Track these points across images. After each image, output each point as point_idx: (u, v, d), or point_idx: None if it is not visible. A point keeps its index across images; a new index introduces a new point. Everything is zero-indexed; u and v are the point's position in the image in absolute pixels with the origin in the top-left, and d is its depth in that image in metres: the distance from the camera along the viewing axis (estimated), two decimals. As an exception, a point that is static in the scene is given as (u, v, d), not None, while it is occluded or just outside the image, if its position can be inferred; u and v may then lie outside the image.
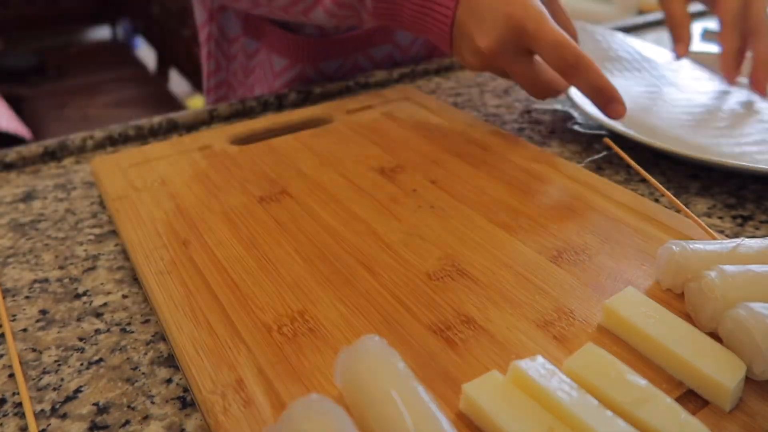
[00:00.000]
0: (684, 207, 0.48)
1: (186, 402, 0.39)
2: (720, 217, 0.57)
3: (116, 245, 0.54)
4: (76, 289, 0.48)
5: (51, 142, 0.69)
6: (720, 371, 0.35)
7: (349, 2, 0.69)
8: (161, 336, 0.44)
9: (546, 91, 0.65)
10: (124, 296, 0.48)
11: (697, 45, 1.13)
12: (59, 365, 0.41)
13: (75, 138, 0.70)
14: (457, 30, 0.64)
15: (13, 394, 0.39)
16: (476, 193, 0.55)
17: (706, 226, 0.47)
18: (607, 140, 0.54)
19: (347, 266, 0.46)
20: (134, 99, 2.63)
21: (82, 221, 0.57)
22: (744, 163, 0.58)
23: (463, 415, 0.34)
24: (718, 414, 0.35)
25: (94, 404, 0.38)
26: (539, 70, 0.63)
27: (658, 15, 1.27)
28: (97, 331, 0.44)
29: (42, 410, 0.38)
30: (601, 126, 0.68)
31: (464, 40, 0.64)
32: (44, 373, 0.41)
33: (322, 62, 0.90)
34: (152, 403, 0.39)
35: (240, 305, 0.43)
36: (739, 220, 0.56)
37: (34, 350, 0.43)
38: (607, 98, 0.61)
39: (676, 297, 0.43)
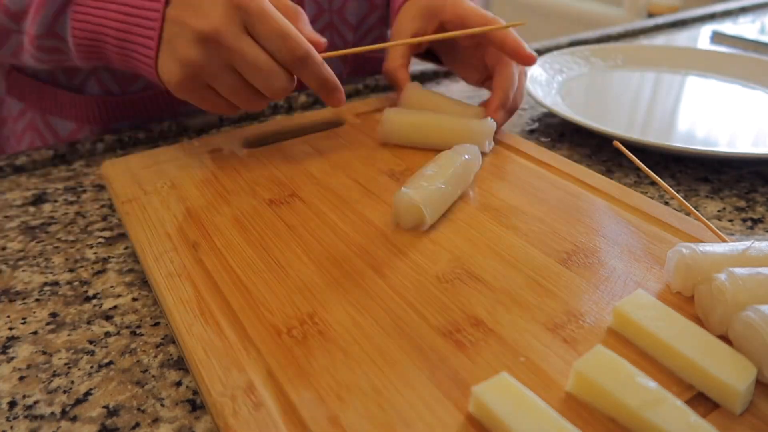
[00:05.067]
0: (694, 210, 0.48)
1: (196, 405, 0.39)
2: (730, 220, 0.57)
3: (126, 248, 0.54)
4: (86, 292, 0.49)
5: (61, 145, 0.70)
6: (730, 374, 0.35)
7: (52, 46, 0.64)
8: (171, 339, 0.44)
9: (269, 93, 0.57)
10: (134, 299, 0.48)
11: (707, 46, 1.13)
12: (69, 368, 0.42)
13: (85, 141, 0.71)
14: (169, 30, 0.56)
15: (24, 396, 0.39)
16: (486, 196, 0.55)
17: (716, 229, 0.47)
18: (617, 144, 0.54)
19: (357, 269, 0.46)
20: None
21: (92, 224, 0.57)
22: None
23: (473, 418, 0.34)
24: (728, 417, 0.34)
25: (104, 407, 0.39)
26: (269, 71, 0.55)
27: (668, 17, 1.27)
28: (107, 334, 0.44)
29: (52, 413, 0.38)
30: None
31: (179, 37, 0.55)
32: (54, 375, 0.41)
33: (116, 122, 0.80)
34: (162, 405, 0.39)
35: (249, 308, 0.43)
36: (749, 223, 0.56)
37: (44, 353, 0.43)
38: (330, 89, 0.59)
39: (686, 300, 0.43)
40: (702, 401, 0.35)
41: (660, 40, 1.18)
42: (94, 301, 0.48)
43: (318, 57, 0.57)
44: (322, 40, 0.60)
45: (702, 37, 1.20)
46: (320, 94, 0.59)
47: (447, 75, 0.96)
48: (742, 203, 0.59)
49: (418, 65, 0.98)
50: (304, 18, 0.61)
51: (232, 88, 0.56)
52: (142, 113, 0.79)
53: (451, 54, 0.75)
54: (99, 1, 0.60)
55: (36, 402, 0.39)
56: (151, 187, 0.58)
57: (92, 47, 0.62)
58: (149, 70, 0.59)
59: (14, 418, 0.38)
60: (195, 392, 0.40)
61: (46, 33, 0.62)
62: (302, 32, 0.57)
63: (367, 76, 0.91)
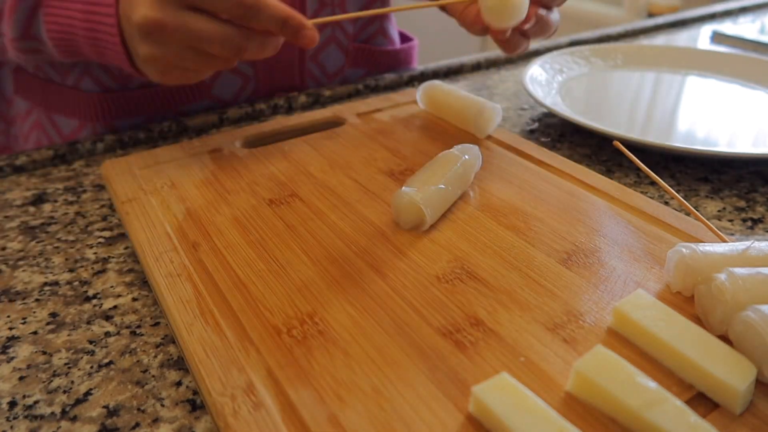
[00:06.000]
0: (694, 210, 0.48)
1: (196, 405, 0.39)
2: (730, 220, 0.57)
3: (126, 248, 0.54)
4: (86, 291, 0.49)
5: (61, 145, 0.70)
6: (730, 374, 0.35)
7: (31, 47, 0.65)
8: (171, 339, 0.44)
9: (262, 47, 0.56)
10: (134, 299, 0.48)
11: (707, 46, 1.13)
12: (69, 368, 0.42)
13: (85, 141, 0.71)
14: (124, 27, 0.57)
15: (24, 396, 0.39)
16: (486, 196, 0.55)
17: (716, 229, 0.47)
18: (617, 143, 0.54)
19: (357, 269, 0.46)
20: None
21: (92, 224, 0.57)
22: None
23: (473, 418, 0.34)
24: (728, 417, 0.34)
25: (104, 407, 0.39)
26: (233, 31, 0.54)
27: (668, 17, 1.27)
28: (107, 334, 0.44)
29: (52, 413, 0.38)
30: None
31: (131, 35, 0.57)
32: (54, 375, 0.41)
33: (118, 120, 0.79)
34: (162, 405, 0.39)
35: (249, 308, 0.43)
36: (749, 223, 0.56)
37: (44, 353, 0.43)
38: (295, 28, 0.55)
39: (686, 300, 0.43)
40: (702, 401, 0.35)
41: (660, 40, 1.18)
42: (94, 301, 0.48)
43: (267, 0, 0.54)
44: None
45: (702, 37, 1.20)
46: (286, 36, 0.56)
47: (447, 74, 0.96)
48: (742, 203, 0.59)
49: (420, 65, 0.98)
50: None
51: (202, 62, 0.55)
52: (142, 110, 0.79)
53: None
54: (64, 1, 0.61)
55: (36, 402, 0.39)
56: (151, 187, 0.58)
57: (68, 45, 0.63)
58: (126, 65, 0.60)
59: (14, 418, 0.38)
60: (195, 392, 0.40)
61: (22, 35, 0.64)
62: None
63: (368, 70, 0.91)
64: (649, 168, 0.53)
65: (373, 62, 0.93)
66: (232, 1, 0.52)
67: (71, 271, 0.51)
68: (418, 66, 0.97)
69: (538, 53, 1.05)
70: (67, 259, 0.52)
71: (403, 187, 0.50)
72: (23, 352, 0.43)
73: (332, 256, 0.48)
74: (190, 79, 0.58)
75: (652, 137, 0.69)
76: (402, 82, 0.91)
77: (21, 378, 0.41)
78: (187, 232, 0.51)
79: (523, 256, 0.47)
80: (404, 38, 1.01)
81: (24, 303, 0.47)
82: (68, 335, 0.44)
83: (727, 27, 1.24)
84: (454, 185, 0.53)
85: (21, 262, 0.52)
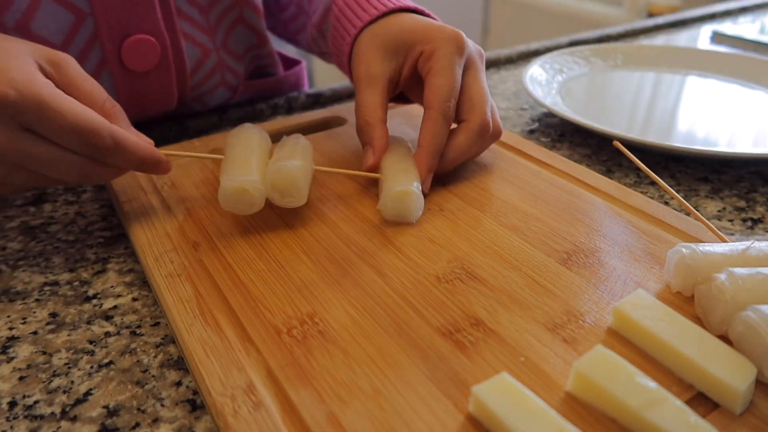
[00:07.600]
0: (694, 210, 0.48)
1: (196, 405, 0.39)
2: (730, 220, 0.57)
3: (126, 248, 0.54)
4: (86, 292, 0.49)
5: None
6: (730, 374, 0.35)
7: None
8: (171, 339, 0.44)
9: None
10: (134, 299, 0.48)
11: (707, 46, 1.13)
12: (69, 368, 0.42)
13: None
14: None
15: (24, 396, 0.39)
16: (486, 196, 0.55)
17: (716, 229, 0.47)
18: (617, 143, 0.54)
19: (357, 269, 0.46)
20: None
21: (93, 224, 0.57)
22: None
23: (473, 418, 0.34)
24: (728, 417, 0.34)
25: (104, 407, 0.39)
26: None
27: (668, 17, 1.27)
28: (107, 334, 0.44)
29: (52, 413, 0.38)
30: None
31: None
32: (54, 375, 0.41)
33: None
34: (162, 405, 0.39)
35: (249, 308, 0.43)
36: (749, 223, 0.56)
37: (44, 353, 0.43)
38: (151, 166, 0.51)
39: (686, 300, 0.43)
40: (702, 401, 0.35)
41: (660, 40, 1.18)
42: (94, 301, 0.48)
43: (129, 139, 0.48)
44: (148, 140, 0.52)
45: (702, 37, 1.20)
46: (142, 171, 0.51)
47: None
48: (742, 203, 0.59)
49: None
50: (124, 117, 0.51)
51: (32, 180, 0.49)
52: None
53: (419, 86, 0.61)
54: None
55: (36, 402, 0.39)
56: (152, 187, 0.58)
57: None
58: None
59: (14, 418, 0.38)
60: (195, 392, 0.40)
61: None
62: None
63: (251, 98, 0.85)
64: (649, 168, 0.53)
65: (261, 92, 0.86)
66: (82, 140, 0.45)
67: (71, 271, 0.51)
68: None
69: (538, 53, 1.05)
70: (67, 259, 0.52)
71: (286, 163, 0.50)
72: (23, 352, 0.43)
73: (332, 255, 0.48)
74: (5, 192, 0.50)
75: (652, 137, 0.69)
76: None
77: (21, 378, 0.41)
78: (187, 232, 0.51)
79: (522, 256, 0.47)
80: (290, 62, 0.93)
81: (24, 303, 0.47)
82: (68, 335, 0.44)
83: (727, 27, 1.24)
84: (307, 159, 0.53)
85: (21, 262, 0.52)
